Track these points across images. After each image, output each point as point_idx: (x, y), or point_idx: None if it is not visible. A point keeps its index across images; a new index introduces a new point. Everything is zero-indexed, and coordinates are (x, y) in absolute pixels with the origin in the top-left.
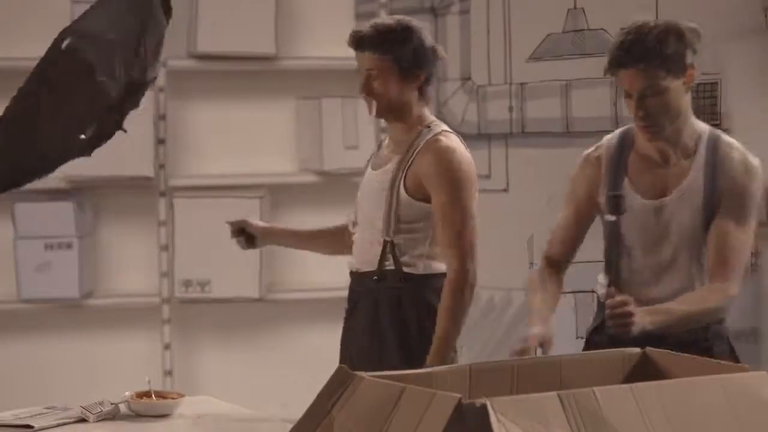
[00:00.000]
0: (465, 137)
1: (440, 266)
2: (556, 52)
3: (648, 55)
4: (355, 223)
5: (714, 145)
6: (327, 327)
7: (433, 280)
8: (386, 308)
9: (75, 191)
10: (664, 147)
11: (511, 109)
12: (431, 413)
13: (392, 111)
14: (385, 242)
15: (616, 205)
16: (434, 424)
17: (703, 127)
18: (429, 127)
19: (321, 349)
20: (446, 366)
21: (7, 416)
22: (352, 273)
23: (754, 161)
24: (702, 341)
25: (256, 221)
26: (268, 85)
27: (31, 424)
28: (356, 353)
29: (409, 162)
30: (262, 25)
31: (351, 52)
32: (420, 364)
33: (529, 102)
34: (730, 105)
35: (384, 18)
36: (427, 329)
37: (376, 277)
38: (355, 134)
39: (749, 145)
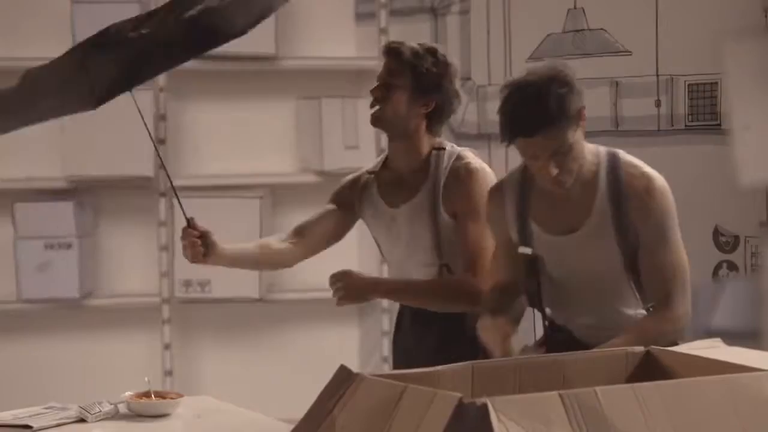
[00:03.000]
0: (465, 137)
1: None
2: (556, 52)
3: (552, 120)
4: (386, 260)
5: (613, 170)
6: (327, 327)
7: None
8: (458, 327)
9: (75, 191)
10: (553, 185)
11: None
12: (432, 412)
13: (392, 125)
14: (441, 266)
15: (530, 263)
16: (435, 423)
17: (597, 150)
18: (443, 148)
19: (321, 349)
20: (448, 365)
21: (6, 416)
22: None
23: (654, 175)
24: None
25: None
26: (268, 85)
27: (30, 424)
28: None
29: (441, 184)
30: (262, 25)
31: (351, 53)
32: None
33: None
34: (730, 105)
35: (430, 44)
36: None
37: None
38: (355, 134)
39: (749, 144)
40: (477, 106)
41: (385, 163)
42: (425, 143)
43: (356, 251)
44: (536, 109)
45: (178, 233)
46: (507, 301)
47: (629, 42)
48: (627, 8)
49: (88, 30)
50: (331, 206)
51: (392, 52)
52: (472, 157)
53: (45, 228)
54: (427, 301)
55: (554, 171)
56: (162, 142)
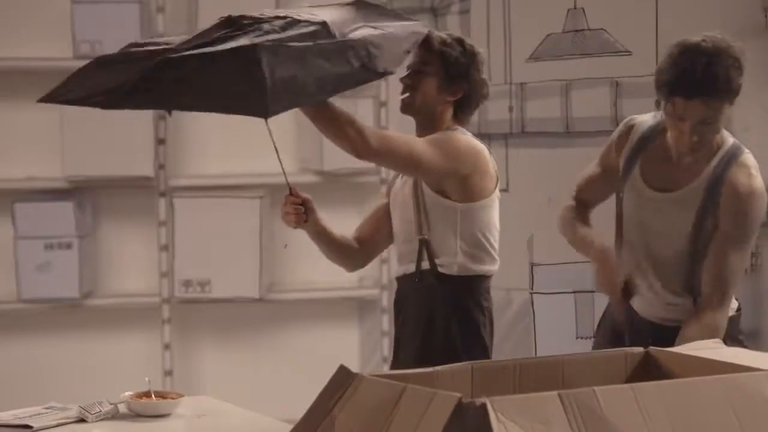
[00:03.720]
0: None
1: (477, 267)
2: (556, 52)
3: (716, 89)
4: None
5: (728, 160)
6: (327, 327)
7: (471, 282)
8: (425, 310)
9: (75, 191)
10: (683, 147)
11: (511, 109)
12: (431, 412)
13: (421, 112)
14: (420, 242)
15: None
16: (434, 423)
17: (727, 138)
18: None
19: (321, 349)
20: (448, 366)
21: (6, 416)
22: (397, 278)
23: (759, 185)
24: None
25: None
26: None
27: (30, 424)
28: (404, 357)
29: None
30: None
31: None
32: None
33: (529, 102)
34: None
35: (454, 33)
36: (455, 332)
37: (416, 279)
38: None
39: (749, 144)
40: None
41: None
42: (445, 127)
43: None
44: (709, 73)
45: (178, 233)
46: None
47: (629, 42)
48: (627, 8)
49: (88, 30)
50: (383, 200)
51: (422, 41)
52: (459, 132)
53: (45, 228)
54: (323, 119)
55: (695, 139)
56: (162, 142)
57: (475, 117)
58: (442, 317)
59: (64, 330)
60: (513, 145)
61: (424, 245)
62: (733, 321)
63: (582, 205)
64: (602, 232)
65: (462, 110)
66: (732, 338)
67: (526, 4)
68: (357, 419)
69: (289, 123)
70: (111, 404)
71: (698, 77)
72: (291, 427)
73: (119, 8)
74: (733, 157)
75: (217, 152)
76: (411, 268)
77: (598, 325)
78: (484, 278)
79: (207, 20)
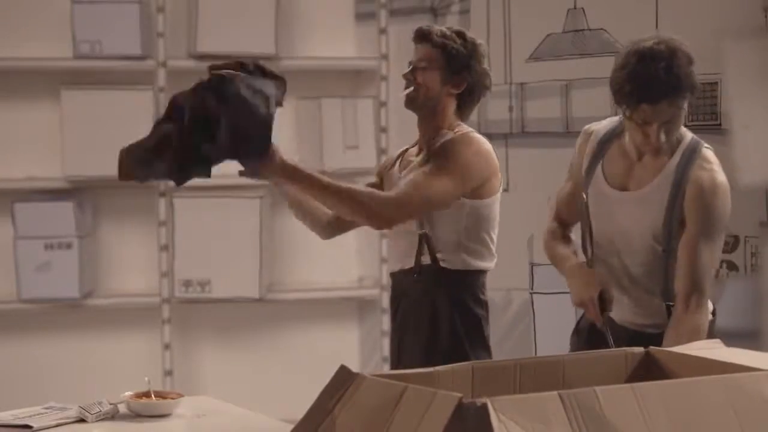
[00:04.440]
0: None
1: (477, 263)
2: (556, 52)
3: (680, 89)
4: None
5: (690, 156)
6: (327, 327)
7: (470, 277)
8: (425, 306)
9: (75, 191)
10: (648, 148)
11: (511, 109)
12: (432, 412)
13: (424, 106)
14: (420, 236)
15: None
16: (435, 423)
17: (685, 133)
18: (453, 130)
19: (321, 349)
20: (449, 366)
21: (6, 416)
22: (393, 274)
23: (722, 179)
24: None
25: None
26: None
27: (30, 424)
28: (409, 354)
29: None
30: (262, 25)
31: (351, 53)
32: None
33: (529, 102)
34: (730, 105)
35: (454, 26)
36: (459, 327)
37: (416, 274)
38: (355, 134)
39: (749, 144)
40: (477, 106)
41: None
42: (448, 123)
43: (355, 251)
44: (672, 75)
45: (178, 233)
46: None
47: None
48: (627, 8)
49: (88, 30)
50: (375, 180)
51: (422, 36)
52: (473, 132)
53: (45, 228)
54: (334, 198)
55: (663, 138)
56: None
57: (475, 117)
58: (445, 313)
59: (64, 330)
60: (513, 145)
61: (425, 239)
62: (708, 326)
63: (562, 226)
64: (576, 251)
65: (465, 102)
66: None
67: (526, 4)
68: (357, 419)
69: (290, 123)
70: (111, 404)
71: (663, 81)
72: (291, 427)
73: (119, 8)
74: (693, 152)
75: None
76: (410, 262)
77: (573, 333)
78: (482, 273)
79: (207, 20)
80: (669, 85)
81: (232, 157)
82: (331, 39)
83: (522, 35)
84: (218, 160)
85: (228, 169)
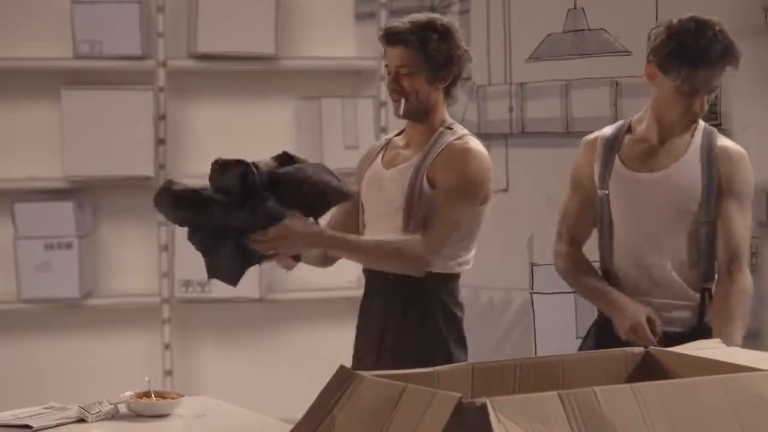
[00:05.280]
0: None
1: (457, 266)
2: (556, 52)
3: (734, 55)
4: (363, 224)
5: (710, 134)
6: (327, 327)
7: (450, 279)
8: (400, 306)
9: (75, 191)
10: (686, 121)
11: (511, 109)
12: (431, 412)
13: (420, 111)
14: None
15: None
16: (434, 423)
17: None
18: (451, 128)
19: (321, 349)
20: (449, 366)
21: (6, 416)
22: (372, 274)
23: (743, 151)
24: None
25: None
26: (268, 85)
27: (30, 424)
28: (370, 348)
29: (432, 160)
30: (262, 25)
31: (351, 53)
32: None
33: (529, 102)
34: (730, 105)
35: (420, 15)
36: (440, 328)
37: (390, 277)
38: (355, 134)
39: (749, 144)
40: (477, 106)
41: (401, 134)
42: (440, 116)
43: None
44: (728, 40)
45: (179, 233)
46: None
47: (629, 42)
48: (627, 8)
49: (88, 30)
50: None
51: (394, 38)
52: (472, 139)
53: (45, 228)
54: (368, 257)
55: (705, 107)
56: (162, 142)
57: (475, 117)
58: (430, 315)
59: (64, 330)
60: (513, 145)
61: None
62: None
63: (576, 247)
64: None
65: (453, 87)
66: None
67: (526, 4)
68: (357, 419)
69: (290, 123)
70: (111, 404)
71: (722, 45)
72: (291, 427)
73: (119, 8)
74: (712, 131)
75: (217, 152)
76: None
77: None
78: (459, 275)
79: (207, 20)
80: (726, 50)
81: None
82: (331, 39)
83: (522, 35)
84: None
85: None
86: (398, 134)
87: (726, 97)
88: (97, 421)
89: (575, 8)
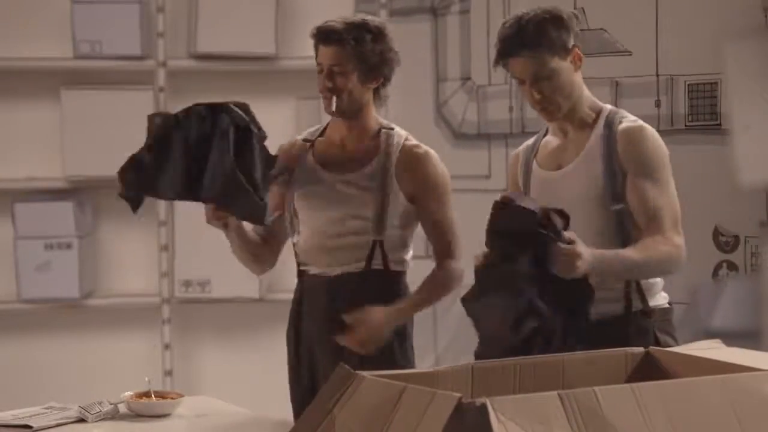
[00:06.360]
0: (465, 137)
1: (408, 263)
2: None
3: (531, 41)
4: (303, 228)
5: (612, 118)
6: None
7: (404, 276)
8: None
9: (75, 191)
10: (563, 124)
11: (511, 109)
12: (431, 412)
13: (352, 109)
14: (374, 242)
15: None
16: (434, 423)
17: (604, 105)
18: (392, 128)
19: None
20: (449, 366)
21: (6, 416)
22: (319, 276)
23: (647, 126)
24: (619, 337)
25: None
26: (268, 85)
27: (30, 424)
28: (338, 352)
29: (393, 164)
30: (262, 25)
31: None
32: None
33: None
34: (730, 105)
35: (353, 16)
36: (409, 327)
37: (363, 278)
38: None
39: (749, 144)
40: (477, 106)
41: (323, 133)
42: (373, 117)
43: None
44: (523, 32)
45: (178, 233)
46: None
47: (629, 42)
48: (627, 8)
49: (88, 30)
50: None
51: (329, 37)
52: (422, 144)
53: (45, 228)
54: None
55: (536, 96)
56: None
57: (475, 117)
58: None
59: (64, 330)
60: (513, 145)
61: (379, 245)
62: (664, 312)
63: None
64: None
65: (382, 89)
66: (662, 331)
67: (526, 5)
68: (357, 419)
69: (290, 123)
70: (111, 404)
71: (512, 34)
72: (291, 427)
73: (119, 8)
74: (615, 114)
75: None
76: (357, 267)
77: None
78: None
79: (207, 20)
80: (524, 38)
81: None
82: None
83: None
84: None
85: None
86: (320, 134)
87: (726, 97)
88: (97, 421)
89: (575, 8)
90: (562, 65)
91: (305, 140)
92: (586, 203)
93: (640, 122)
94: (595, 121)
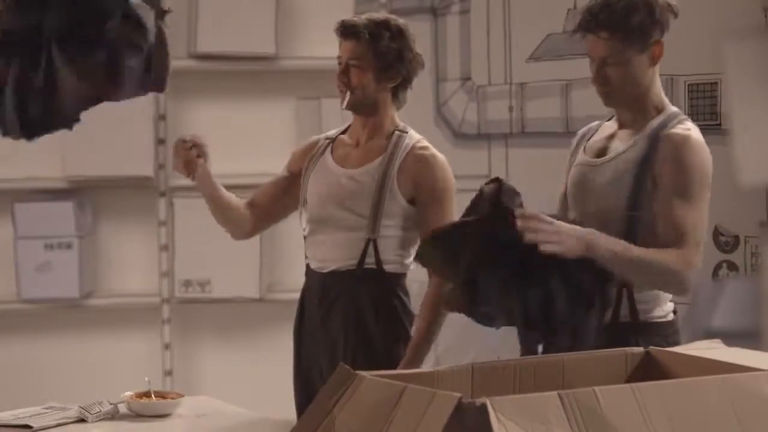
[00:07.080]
0: (465, 137)
1: (407, 264)
2: (556, 52)
3: (611, 24)
4: (308, 220)
5: (666, 122)
6: None
7: (402, 278)
8: (368, 306)
9: (75, 191)
10: (623, 113)
11: (511, 109)
12: (432, 412)
13: (365, 106)
14: (368, 240)
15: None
16: (434, 423)
17: (670, 106)
18: (406, 132)
19: None
20: (449, 366)
21: (6, 416)
22: (315, 271)
23: (695, 136)
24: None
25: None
26: (268, 85)
27: (30, 424)
28: (348, 349)
29: (397, 165)
30: (262, 25)
31: None
32: (396, 360)
33: (529, 102)
34: (730, 105)
35: (378, 14)
36: (401, 327)
37: (355, 276)
38: None
39: (749, 144)
40: (477, 106)
41: (346, 131)
42: (390, 118)
43: None
44: (607, 11)
45: (178, 233)
46: None
47: None
48: None
49: None
50: (284, 173)
51: (348, 32)
52: (431, 147)
53: (45, 228)
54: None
55: (599, 79)
56: (162, 142)
57: (475, 117)
58: (395, 314)
59: (64, 330)
60: (513, 145)
61: (373, 243)
62: (660, 327)
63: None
64: None
65: (400, 90)
66: (667, 342)
67: (526, 4)
68: (357, 419)
69: (290, 123)
70: (111, 404)
71: (597, 11)
72: (291, 427)
73: None
74: (673, 118)
75: (216, 152)
76: (349, 264)
77: None
78: (406, 274)
79: (207, 20)
80: (607, 19)
81: None
82: (331, 39)
83: (522, 35)
84: None
85: (227, 170)
86: (343, 132)
87: (726, 97)
88: (97, 421)
89: (575, 8)
90: (637, 56)
91: (327, 138)
92: (615, 204)
93: (690, 131)
94: (653, 119)
